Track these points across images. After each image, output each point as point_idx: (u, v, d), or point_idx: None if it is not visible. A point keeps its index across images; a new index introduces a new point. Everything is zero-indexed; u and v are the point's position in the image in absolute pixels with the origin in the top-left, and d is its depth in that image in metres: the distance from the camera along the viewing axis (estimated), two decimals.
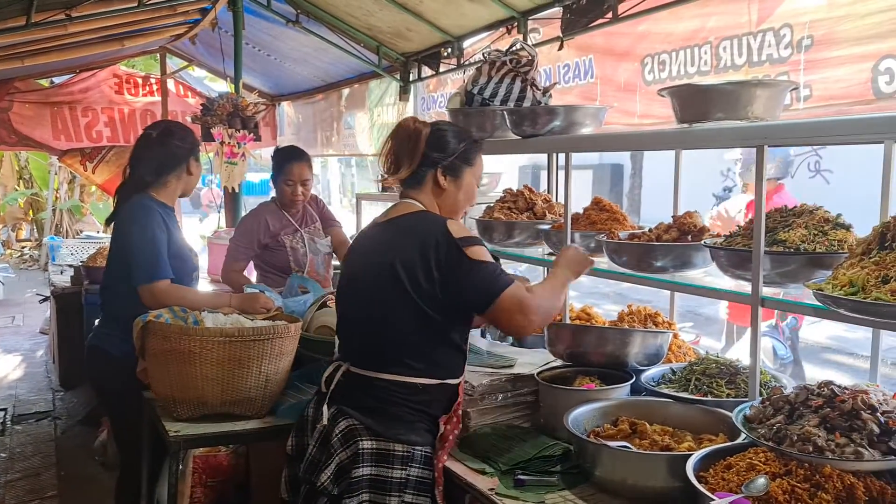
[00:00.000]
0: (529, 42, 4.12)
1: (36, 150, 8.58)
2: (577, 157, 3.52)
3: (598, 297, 9.43)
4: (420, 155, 2.18)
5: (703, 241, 2.31)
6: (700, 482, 1.66)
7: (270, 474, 3.20)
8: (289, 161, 3.83)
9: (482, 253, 2.07)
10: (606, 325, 2.77)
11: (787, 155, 5.10)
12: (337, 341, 2.58)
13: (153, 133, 3.01)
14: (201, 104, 5.42)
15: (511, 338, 3.10)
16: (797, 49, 2.95)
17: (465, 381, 2.27)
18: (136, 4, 4.94)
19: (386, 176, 2.27)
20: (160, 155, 2.98)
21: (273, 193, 4.01)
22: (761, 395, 2.07)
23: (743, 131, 2.06)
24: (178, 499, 2.59)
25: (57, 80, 7.80)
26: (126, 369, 2.72)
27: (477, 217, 3.26)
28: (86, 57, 6.61)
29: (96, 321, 4.25)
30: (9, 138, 7.30)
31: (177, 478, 2.46)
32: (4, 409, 5.46)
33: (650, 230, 2.55)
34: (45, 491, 4.23)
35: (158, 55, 7.94)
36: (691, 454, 1.79)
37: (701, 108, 2.14)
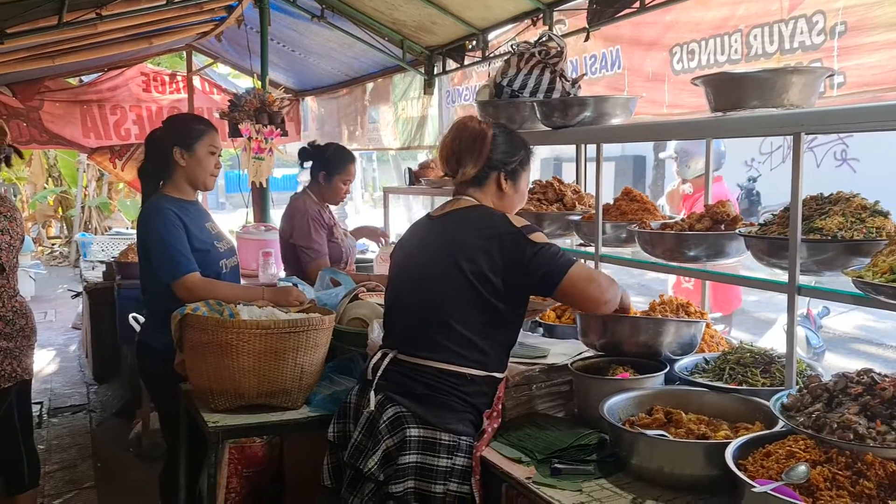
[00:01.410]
0: (555, 32, 4.12)
1: (66, 148, 8.71)
2: (593, 148, 3.53)
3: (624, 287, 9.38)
4: (486, 157, 2.23)
5: (737, 230, 2.30)
6: (739, 470, 1.67)
7: (304, 464, 3.24)
8: (349, 161, 3.98)
9: (543, 237, 2.15)
10: (639, 315, 2.77)
11: (718, 147, 5.06)
12: (372, 333, 2.62)
13: (153, 132, 3.07)
14: (228, 100, 5.47)
15: (542, 328, 3.12)
16: (830, 35, 2.92)
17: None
18: (164, 2, 5.01)
19: (450, 174, 2.30)
20: (151, 152, 3.03)
21: (301, 187, 4.06)
22: (797, 383, 2.07)
23: (779, 119, 2.05)
24: (216, 489, 2.64)
25: (86, 78, 7.92)
26: (165, 362, 2.77)
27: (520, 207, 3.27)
28: (114, 55, 6.72)
29: (130, 315, 4.37)
30: (40, 137, 7.43)
31: (216, 468, 2.51)
32: (41, 403, 5.57)
33: (682, 220, 2.55)
34: (82, 482, 4.32)
35: (184, 53, 8.03)
36: (729, 442, 1.79)
37: (735, 97, 2.13)
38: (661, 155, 5.10)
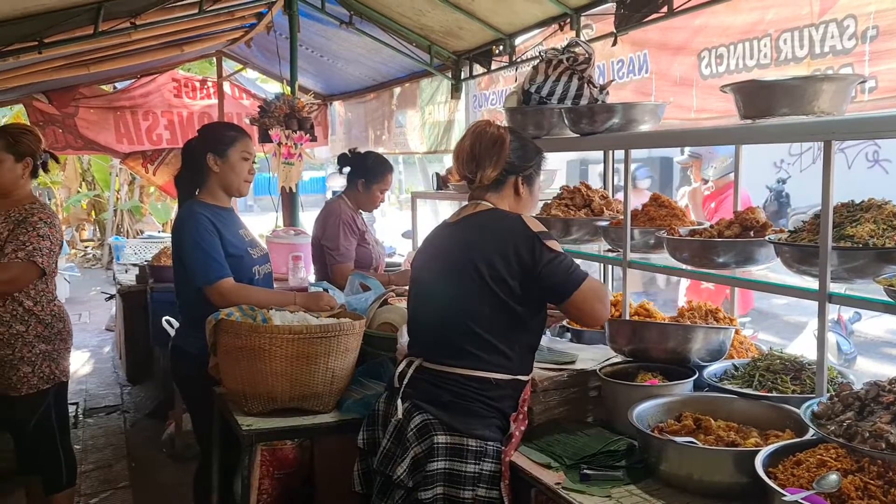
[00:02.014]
0: (582, 38, 4.13)
1: (100, 153, 8.88)
2: (620, 153, 3.53)
3: (649, 295, 9.36)
4: (504, 161, 2.26)
5: (767, 237, 2.30)
6: (769, 478, 1.67)
7: (334, 467, 3.28)
8: (388, 171, 4.13)
9: (558, 246, 2.18)
10: (668, 321, 2.78)
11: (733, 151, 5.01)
12: (402, 338, 2.65)
13: (190, 140, 3.13)
14: (259, 106, 5.55)
15: (570, 334, 3.13)
16: (861, 40, 2.90)
17: (532, 379, 2.32)
18: (196, 11, 5.09)
19: (468, 177, 2.32)
20: (187, 159, 3.09)
21: (329, 191, 4.14)
22: (828, 391, 2.06)
23: (810, 127, 2.05)
24: (250, 491, 2.69)
25: (119, 85, 8.06)
26: (199, 367, 2.83)
27: (534, 214, 3.29)
28: (147, 63, 6.84)
29: (163, 318, 4.45)
30: (75, 142, 7.58)
31: (249, 470, 2.55)
32: (76, 404, 5.68)
33: (711, 226, 2.55)
34: (117, 481, 4.41)
35: (215, 59, 8.14)
36: (759, 450, 1.79)
37: (765, 104, 2.13)
38: (678, 159, 5.08)
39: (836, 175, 1.96)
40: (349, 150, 4.26)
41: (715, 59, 3.62)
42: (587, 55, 3.01)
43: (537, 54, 4.64)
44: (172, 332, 4.42)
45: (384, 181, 4.11)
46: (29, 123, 7.19)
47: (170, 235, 9.33)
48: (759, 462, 1.72)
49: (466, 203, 2.37)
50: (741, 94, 2.24)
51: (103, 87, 7.88)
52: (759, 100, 2.17)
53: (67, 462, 3.42)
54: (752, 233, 2.41)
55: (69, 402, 3.61)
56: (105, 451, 4.90)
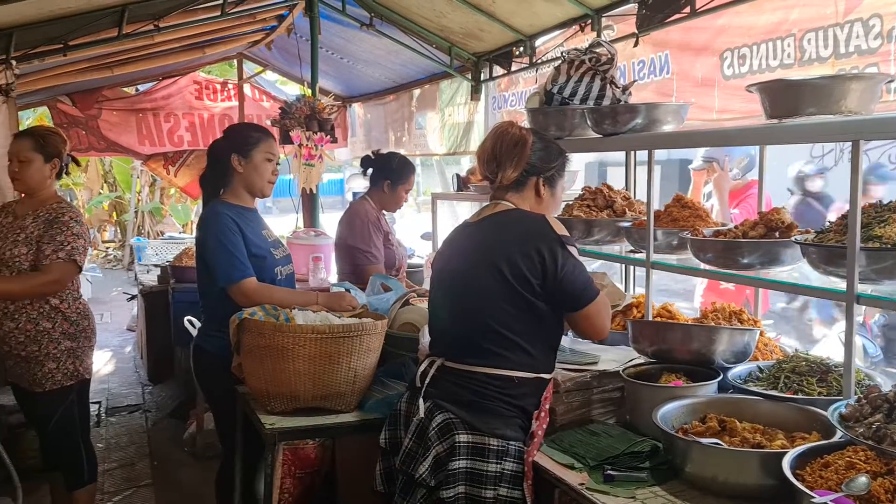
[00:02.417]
0: (603, 38, 4.12)
1: (123, 155, 8.97)
2: (641, 153, 3.52)
3: (668, 294, 9.31)
4: (525, 162, 2.27)
5: (793, 238, 2.28)
6: (796, 480, 1.66)
7: (356, 466, 3.29)
8: (412, 171, 4.19)
9: (577, 254, 2.19)
10: (692, 322, 2.76)
11: (749, 151, 4.97)
12: (423, 338, 2.66)
13: (215, 141, 3.16)
14: (279, 108, 5.58)
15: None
16: (887, 39, 2.87)
17: (554, 378, 2.31)
18: (219, 14, 5.14)
19: (489, 177, 2.33)
20: (211, 159, 3.10)
21: (349, 192, 4.18)
22: (855, 393, 2.04)
23: (838, 126, 2.03)
24: (272, 489, 2.70)
25: (141, 87, 8.14)
26: (222, 366, 2.85)
27: (556, 215, 3.28)
28: (169, 65, 6.91)
29: (185, 318, 4.49)
30: (98, 144, 7.66)
31: (273, 469, 2.57)
32: (99, 402, 5.74)
33: (735, 227, 2.54)
34: (140, 479, 4.45)
35: (235, 61, 8.20)
36: (786, 452, 1.78)
37: (792, 104, 2.12)
38: (692, 167, 5.01)
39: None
40: (372, 152, 4.29)
41: (737, 59, 3.60)
42: (610, 55, 3.00)
43: (558, 55, 4.64)
44: (194, 332, 4.46)
45: (409, 182, 4.17)
46: (53, 125, 7.29)
47: (190, 236, 9.43)
48: (786, 464, 1.70)
49: (487, 203, 2.38)
50: (767, 94, 2.22)
51: (126, 89, 7.96)
52: (785, 99, 2.16)
53: (89, 458, 3.46)
54: (777, 233, 2.39)
55: (92, 400, 3.65)
56: (128, 450, 4.95)
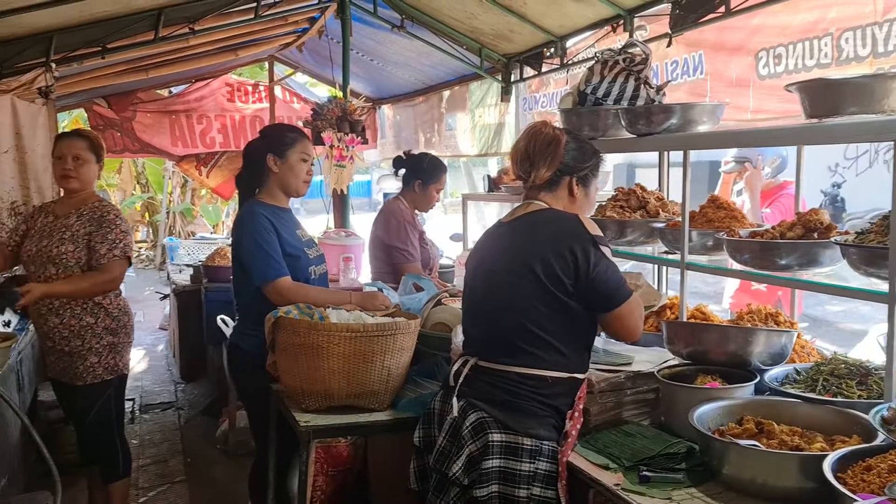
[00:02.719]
0: (636, 38, 4.10)
1: (156, 156, 9.10)
2: (673, 155, 3.49)
3: (698, 296, 9.23)
4: (559, 161, 2.26)
5: (832, 239, 2.25)
6: (838, 483, 1.64)
7: (387, 464, 3.32)
8: (443, 171, 4.24)
9: (610, 255, 2.18)
10: (727, 324, 2.74)
11: (780, 152, 4.89)
12: (456, 338, 2.67)
13: (251, 141, 3.20)
14: (311, 109, 5.63)
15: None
16: None
17: (587, 378, 2.31)
18: (252, 16, 5.20)
19: (522, 177, 2.33)
20: (247, 159, 3.14)
21: (379, 195, 4.22)
22: None
23: (880, 126, 2.00)
24: (306, 486, 2.73)
25: (175, 89, 8.25)
26: (256, 364, 2.88)
27: (589, 215, 3.27)
28: (203, 67, 7.00)
29: (218, 317, 4.55)
30: (132, 146, 7.78)
31: (307, 465, 2.59)
32: (133, 399, 5.83)
33: (773, 228, 2.51)
34: (174, 476, 4.51)
35: (266, 63, 8.29)
36: (826, 454, 1.76)
37: (832, 103, 2.09)
38: (722, 170, 4.95)
39: (886, 179, 1.91)
40: (404, 153, 4.35)
41: (773, 58, 3.57)
42: (644, 55, 2.99)
43: (590, 56, 4.63)
44: (227, 331, 4.52)
45: (440, 181, 4.22)
46: (89, 127, 7.43)
47: (221, 237, 9.51)
48: (827, 466, 1.68)
49: (520, 203, 2.38)
50: (807, 93, 2.20)
51: (160, 91, 8.08)
52: (825, 98, 2.13)
53: (124, 453, 3.54)
54: (815, 234, 2.37)
55: (126, 397, 3.72)
56: (161, 447, 5.01)
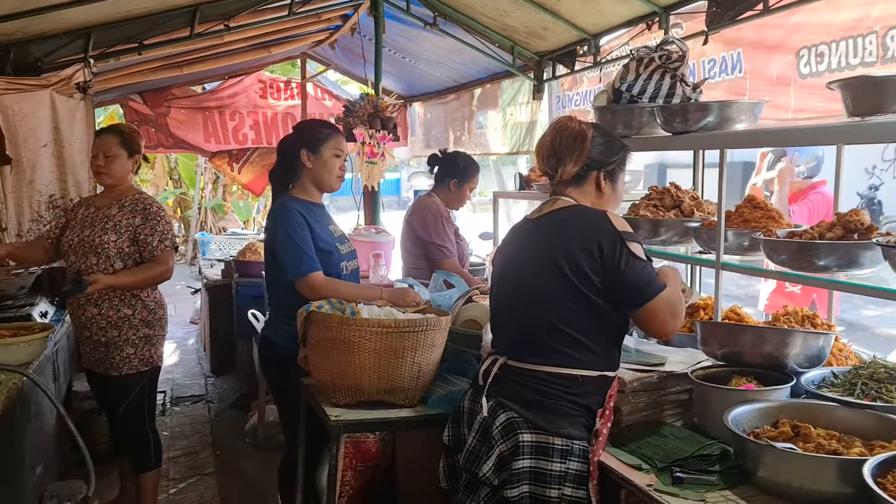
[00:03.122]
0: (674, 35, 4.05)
1: (189, 152, 9.19)
2: (708, 154, 3.44)
3: (730, 298, 9.12)
4: (586, 156, 2.23)
5: (874, 240, 2.20)
6: (878, 489, 1.60)
7: (415, 460, 3.32)
8: (477, 170, 4.34)
9: (641, 250, 2.13)
10: (763, 325, 2.70)
11: (816, 151, 4.79)
12: (486, 335, 2.66)
13: (286, 137, 3.21)
14: (343, 106, 5.66)
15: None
16: None
17: (619, 377, 2.28)
18: (286, 13, 5.24)
19: (549, 172, 2.31)
20: (281, 154, 3.16)
21: (409, 193, 4.25)
22: None
23: None
24: (336, 481, 2.74)
25: (208, 86, 8.34)
26: (287, 358, 2.90)
27: (623, 215, 3.24)
28: (236, 64, 7.07)
29: (249, 312, 4.59)
30: (166, 141, 7.88)
31: (337, 459, 2.60)
32: (164, 392, 5.90)
33: (811, 228, 2.47)
34: (203, 468, 4.56)
35: (299, 60, 8.34)
36: (865, 459, 1.72)
37: (876, 101, 2.05)
38: (755, 179, 4.87)
39: None
40: (439, 151, 4.42)
41: (815, 57, 3.50)
42: (681, 53, 2.95)
43: (624, 54, 4.59)
44: (257, 325, 4.56)
45: (474, 181, 4.30)
46: (125, 122, 7.54)
47: (252, 232, 9.59)
48: (867, 472, 1.65)
49: (548, 199, 2.34)
50: (850, 91, 2.15)
51: (193, 87, 8.17)
52: (870, 96, 2.08)
53: (155, 443, 3.60)
54: (855, 235, 2.32)
55: (158, 389, 3.78)
56: (192, 439, 5.07)
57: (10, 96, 4.32)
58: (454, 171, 4.25)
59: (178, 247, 3.58)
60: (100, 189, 3.83)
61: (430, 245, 4.08)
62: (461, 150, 7.59)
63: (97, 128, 4.61)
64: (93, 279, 3.18)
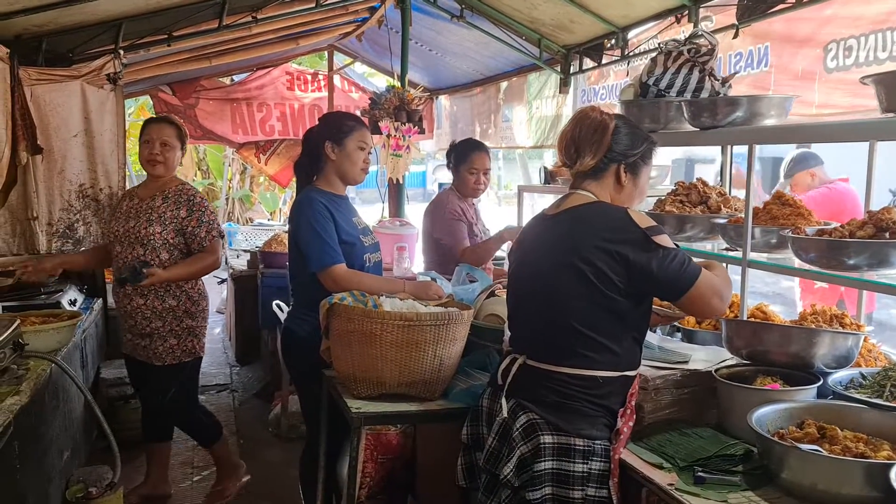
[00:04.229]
0: (703, 29, 4.00)
1: (217, 143, 9.26)
2: (736, 149, 3.39)
3: (757, 296, 9.00)
4: (606, 148, 2.17)
5: None
6: None
7: (436, 454, 3.33)
8: (472, 150, 4.10)
9: (668, 240, 2.07)
10: (790, 324, 2.66)
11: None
12: (507, 333, 2.64)
13: (311, 129, 3.23)
14: (369, 98, 5.66)
15: (680, 334, 3.05)
16: None
17: (640, 375, 2.26)
18: (313, 5, 5.25)
19: (567, 164, 2.26)
20: (306, 146, 3.18)
21: (435, 186, 4.21)
22: None
23: None
24: (356, 472, 2.75)
25: (236, 77, 8.39)
26: (309, 349, 2.91)
27: (648, 210, 3.21)
28: (264, 56, 7.10)
29: (273, 303, 4.62)
30: (195, 132, 7.94)
31: (357, 451, 2.61)
32: None
33: (841, 226, 2.42)
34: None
35: (326, 52, 8.36)
36: (893, 463, 1.69)
37: None
38: (783, 185, 4.80)
39: None
40: (451, 143, 4.31)
41: (843, 51, 3.44)
42: (710, 46, 2.91)
43: (652, 47, 4.54)
44: (282, 316, 4.59)
45: (469, 161, 4.09)
46: (154, 114, 7.63)
47: (279, 223, 9.65)
48: (894, 476, 1.62)
49: (567, 192, 2.28)
50: (884, 86, 2.11)
51: (222, 79, 8.22)
52: None
53: (207, 417, 3.84)
54: (886, 234, 2.27)
55: None
56: None
57: (41, 87, 4.37)
58: (453, 157, 4.15)
59: (223, 234, 3.66)
60: (134, 178, 3.94)
61: (437, 242, 4.07)
62: (487, 143, 7.60)
63: (127, 118, 4.69)
64: (150, 272, 3.29)
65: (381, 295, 2.86)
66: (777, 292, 9.35)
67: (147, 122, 3.76)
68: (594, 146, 2.17)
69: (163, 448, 3.80)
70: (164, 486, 3.88)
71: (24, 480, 2.52)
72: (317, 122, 3.25)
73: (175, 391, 3.57)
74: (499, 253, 5.10)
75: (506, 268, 4.39)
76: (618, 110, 3.18)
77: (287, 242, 5.58)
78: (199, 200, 3.52)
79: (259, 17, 5.05)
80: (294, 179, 3.40)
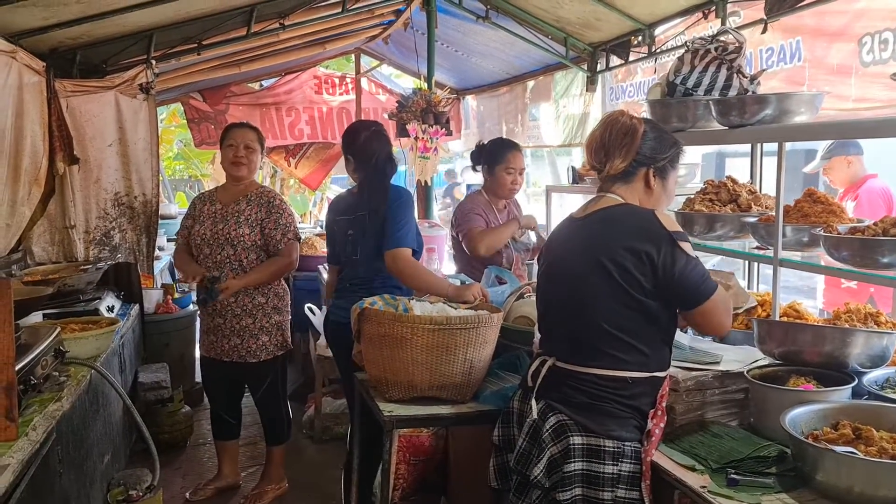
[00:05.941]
0: (729, 25, 3.96)
1: None
2: (767, 144, 3.35)
3: (790, 290, 8.87)
4: (635, 152, 2.19)
5: None
6: None
7: (467, 456, 3.35)
8: (508, 150, 4.03)
9: (691, 248, 2.09)
10: (823, 323, 2.63)
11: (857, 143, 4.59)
12: (537, 334, 2.65)
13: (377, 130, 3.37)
14: (396, 101, 5.69)
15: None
16: None
17: (671, 376, 2.25)
18: (339, 10, 5.30)
19: (597, 167, 2.27)
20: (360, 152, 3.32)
21: (462, 186, 4.19)
22: None
23: None
24: (389, 474, 2.78)
25: (265, 83, 8.47)
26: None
27: (677, 209, 3.19)
28: (292, 61, 7.17)
29: (306, 306, 4.67)
30: None
31: (390, 454, 2.64)
32: None
33: (874, 223, 2.39)
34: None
35: (353, 56, 8.41)
36: None
37: None
38: (807, 169, 4.72)
39: None
40: (476, 145, 4.24)
41: (879, 44, 3.38)
42: (738, 44, 2.88)
43: (679, 44, 4.50)
44: (314, 319, 4.65)
45: (505, 160, 3.98)
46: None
47: (309, 226, 9.67)
48: None
49: (595, 195, 2.30)
50: None
51: (251, 85, 8.31)
52: None
53: (287, 419, 3.95)
54: None
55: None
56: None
57: (77, 98, 4.48)
58: (484, 157, 4.06)
59: (299, 237, 3.75)
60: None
61: (457, 241, 4.06)
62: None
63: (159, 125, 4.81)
64: (223, 286, 3.42)
65: (412, 298, 2.89)
66: (811, 287, 9.18)
67: (229, 128, 3.89)
68: (624, 150, 2.18)
69: (282, 449, 4.00)
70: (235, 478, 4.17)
71: (67, 484, 2.59)
72: (345, 126, 3.37)
73: (271, 383, 3.75)
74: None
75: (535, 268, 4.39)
76: (645, 109, 3.17)
77: (318, 246, 5.64)
78: (278, 203, 3.65)
79: (286, 23, 5.11)
80: (324, 182, 3.54)
